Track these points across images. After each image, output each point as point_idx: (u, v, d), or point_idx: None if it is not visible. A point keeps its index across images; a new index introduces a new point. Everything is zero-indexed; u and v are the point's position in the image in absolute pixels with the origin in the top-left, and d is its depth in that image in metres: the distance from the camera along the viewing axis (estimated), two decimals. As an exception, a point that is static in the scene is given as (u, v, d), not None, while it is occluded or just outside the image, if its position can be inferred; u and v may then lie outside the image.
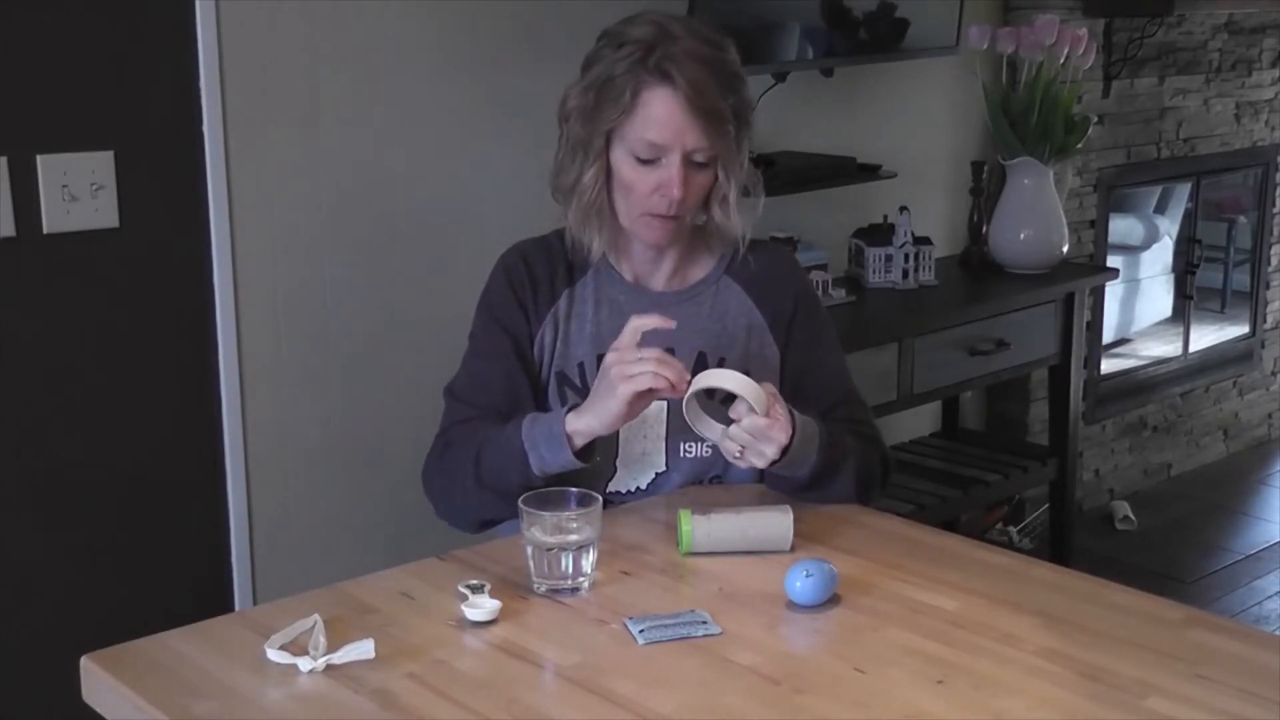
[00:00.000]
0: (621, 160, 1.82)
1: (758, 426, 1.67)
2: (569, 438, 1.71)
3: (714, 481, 1.91)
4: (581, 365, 1.89)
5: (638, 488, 1.89)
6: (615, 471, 1.88)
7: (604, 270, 1.92)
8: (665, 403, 1.83)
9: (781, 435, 1.68)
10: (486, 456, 1.78)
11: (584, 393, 1.84)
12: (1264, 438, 4.97)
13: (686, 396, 1.68)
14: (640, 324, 1.70)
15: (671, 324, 1.71)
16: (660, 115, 1.77)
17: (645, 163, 1.80)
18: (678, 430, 1.86)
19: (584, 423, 1.70)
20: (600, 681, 1.36)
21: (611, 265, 1.92)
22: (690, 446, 1.89)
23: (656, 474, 1.89)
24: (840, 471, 1.81)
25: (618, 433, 1.82)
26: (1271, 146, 4.72)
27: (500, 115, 2.75)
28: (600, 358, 1.78)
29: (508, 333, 1.89)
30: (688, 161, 1.79)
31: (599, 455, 1.78)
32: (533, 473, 1.73)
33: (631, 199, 1.83)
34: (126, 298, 2.36)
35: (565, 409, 1.74)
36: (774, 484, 1.83)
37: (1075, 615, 1.51)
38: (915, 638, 1.46)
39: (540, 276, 1.90)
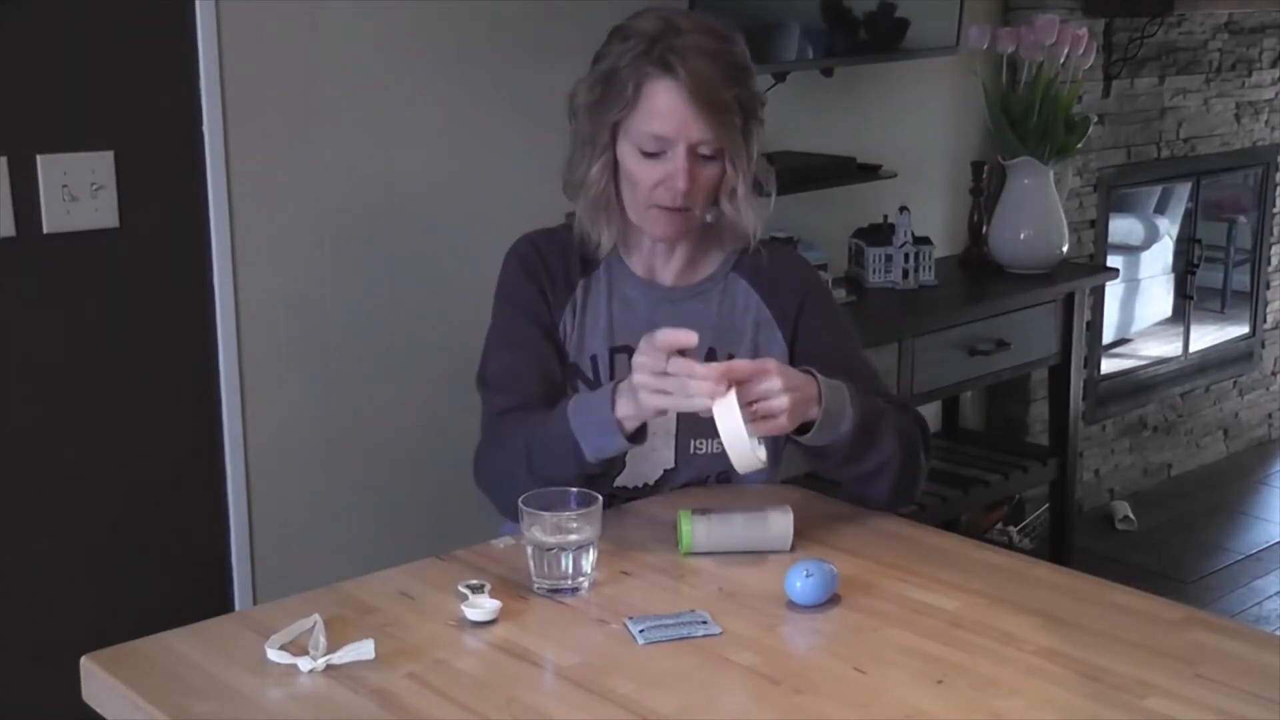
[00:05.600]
0: (627, 154, 1.81)
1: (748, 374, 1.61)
2: (620, 424, 1.67)
3: (720, 478, 1.89)
4: (594, 358, 1.88)
5: (645, 484, 1.88)
6: (624, 467, 1.84)
7: (615, 264, 1.91)
8: None
9: (778, 379, 1.62)
10: (537, 449, 1.74)
11: (595, 385, 1.83)
12: (1264, 438, 4.97)
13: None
14: (668, 341, 1.61)
15: (693, 341, 1.63)
16: (663, 108, 1.76)
17: (650, 156, 1.79)
18: (688, 428, 1.84)
19: (630, 410, 1.66)
20: (600, 681, 1.36)
21: (623, 260, 1.91)
22: (700, 444, 1.86)
23: (665, 471, 1.88)
24: (881, 430, 1.75)
25: None
26: (1271, 146, 4.71)
27: (501, 113, 2.75)
28: (613, 351, 1.78)
29: (534, 320, 1.86)
30: (693, 154, 1.78)
31: (648, 436, 1.73)
32: (587, 460, 1.69)
33: (638, 193, 1.82)
34: (126, 298, 2.36)
35: (611, 389, 1.68)
36: (815, 458, 1.76)
37: (1075, 615, 1.51)
38: (915, 638, 1.46)
39: (555, 266, 1.89)
